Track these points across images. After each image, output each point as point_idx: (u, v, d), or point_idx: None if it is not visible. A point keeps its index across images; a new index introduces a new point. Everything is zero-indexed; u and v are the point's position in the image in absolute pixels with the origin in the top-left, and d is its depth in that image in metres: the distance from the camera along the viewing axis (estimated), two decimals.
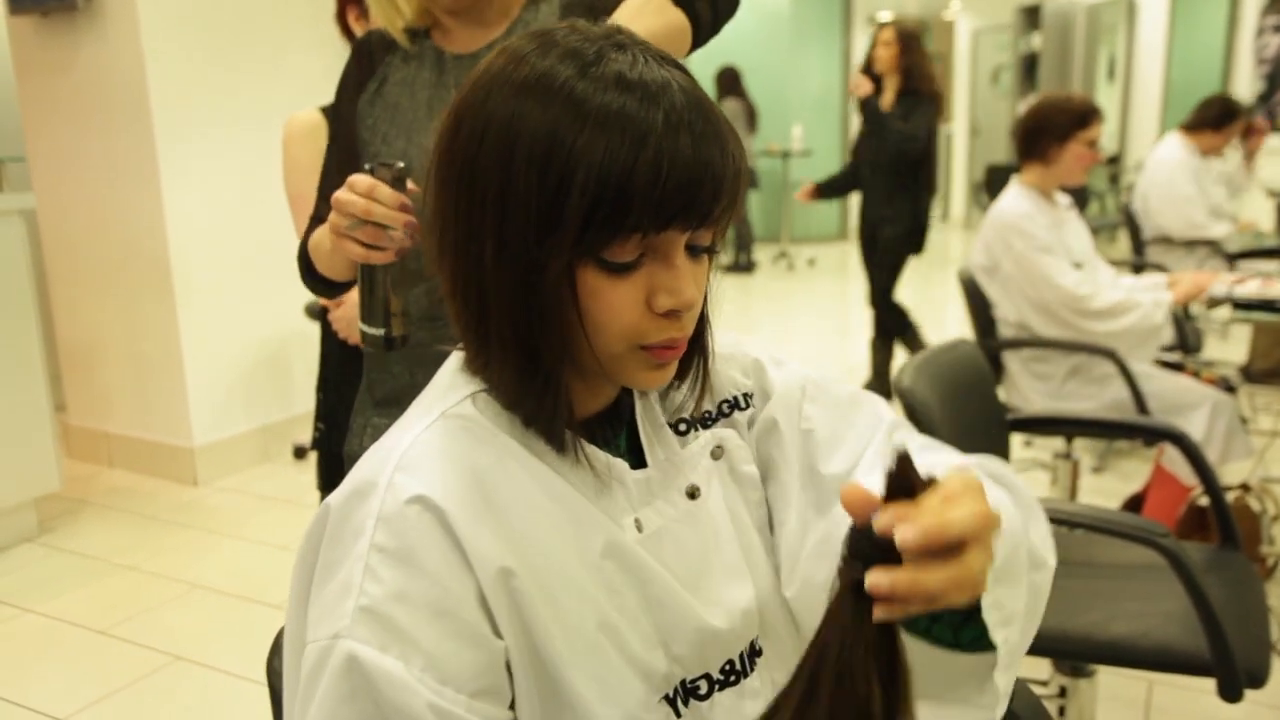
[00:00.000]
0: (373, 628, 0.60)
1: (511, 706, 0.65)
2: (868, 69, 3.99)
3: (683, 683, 0.70)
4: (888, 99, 3.91)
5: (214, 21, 3.40)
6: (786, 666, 0.71)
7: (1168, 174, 4.01)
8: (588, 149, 0.60)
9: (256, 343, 3.64)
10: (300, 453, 3.69)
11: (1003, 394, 2.55)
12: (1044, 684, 1.69)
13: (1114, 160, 8.48)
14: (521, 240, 0.63)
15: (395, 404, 1.26)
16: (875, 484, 0.69)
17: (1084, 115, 2.43)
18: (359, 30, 1.85)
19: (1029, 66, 8.89)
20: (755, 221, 8.78)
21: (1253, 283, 2.48)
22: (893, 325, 4.19)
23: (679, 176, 0.61)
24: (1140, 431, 2.17)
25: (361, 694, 0.59)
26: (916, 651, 0.62)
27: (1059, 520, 1.65)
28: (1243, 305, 2.43)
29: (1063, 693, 1.67)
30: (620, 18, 1.11)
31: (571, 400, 0.69)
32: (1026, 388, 2.53)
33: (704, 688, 0.71)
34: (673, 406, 0.79)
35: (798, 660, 0.57)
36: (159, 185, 3.28)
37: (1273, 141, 6.81)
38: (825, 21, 9.72)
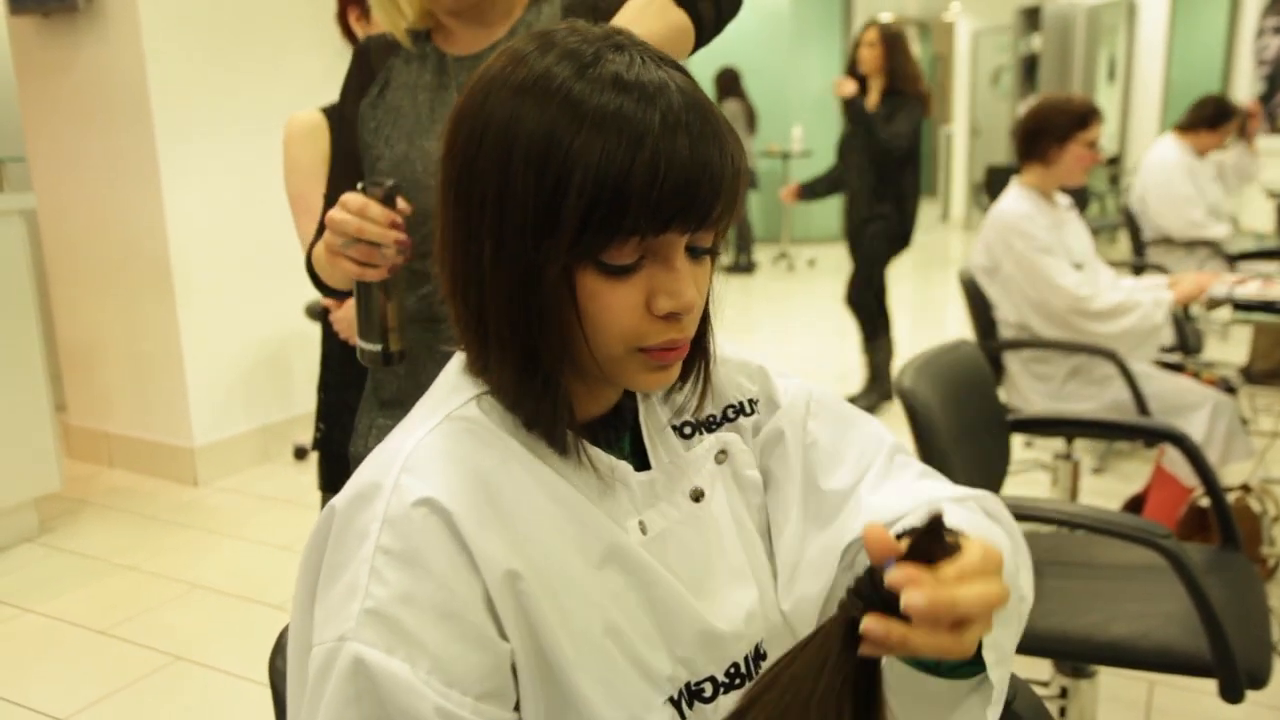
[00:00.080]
0: (379, 630, 0.60)
1: (516, 708, 0.65)
2: (852, 70, 3.97)
3: (687, 685, 0.71)
4: (872, 100, 3.89)
5: (215, 22, 3.41)
6: None
7: (1165, 175, 4.01)
8: (584, 150, 0.60)
9: (257, 343, 3.64)
10: (300, 453, 3.69)
11: (1003, 395, 2.55)
12: (1045, 684, 1.70)
13: (1114, 161, 8.49)
14: (519, 242, 0.63)
15: (400, 404, 1.26)
16: (880, 504, 0.74)
17: (1084, 116, 2.43)
18: (360, 30, 1.85)
19: (1029, 67, 8.89)
20: (755, 222, 8.78)
21: (1253, 284, 2.48)
22: (871, 325, 4.16)
23: (676, 178, 0.61)
24: (1141, 432, 2.17)
25: (367, 696, 0.59)
26: (892, 666, 0.64)
27: (1060, 521, 1.65)
28: (1243, 306, 2.43)
29: (1064, 693, 1.67)
30: (623, 19, 1.11)
31: (572, 402, 0.69)
32: (1027, 388, 2.53)
33: (709, 690, 0.71)
34: (675, 408, 0.79)
35: None
36: (159, 185, 3.28)
37: (1273, 143, 6.81)
38: (825, 22, 9.72)
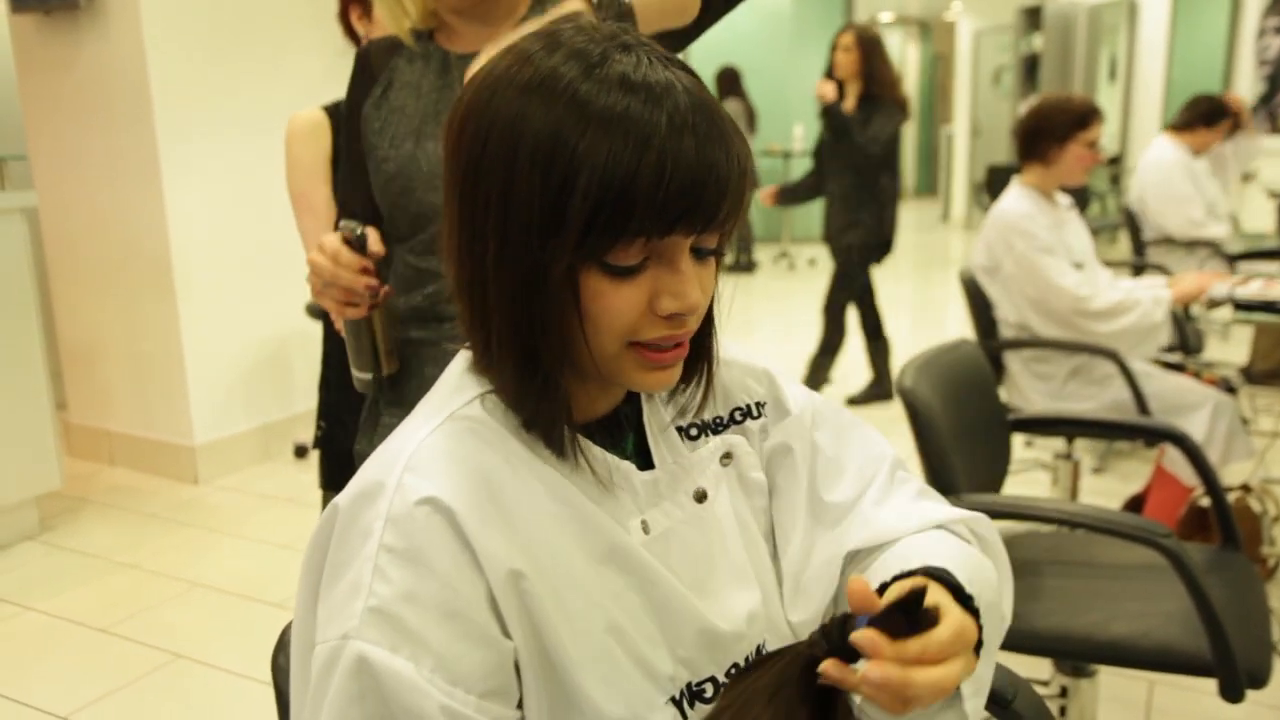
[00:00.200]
0: (382, 628, 0.60)
1: (519, 706, 0.65)
2: (829, 75, 3.91)
3: (689, 685, 0.71)
4: (849, 104, 3.83)
5: (216, 21, 3.41)
6: None
7: (1164, 175, 4.01)
8: (591, 151, 0.60)
9: (257, 341, 3.64)
10: (301, 451, 3.69)
11: (1004, 394, 2.55)
12: (1045, 684, 1.70)
13: (1115, 161, 8.48)
14: (524, 241, 0.63)
15: (405, 403, 1.26)
16: (883, 521, 0.78)
17: (1084, 116, 2.43)
18: (362, 29, 1.85)
19: (1030, 67, 8.88)
20: (756, 221, 8.79)
21: (1254, 284, 2.48)
22: (835, 341, 4.10)
23: (682, 179, 0.61)
24: (1141, 432, 2.17)
25: (371, 694, 0.59)
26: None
27: (1060, 520, 1.65)
28: (1244, 306, 2.43)
29: (1064, 693, 1.68)
30: None
31: (574, 403, 0.69)
32: (1027, 388, 2.53)
33: (710, 690, 0.71)
34: (679, 408, 0.79)
35: None
36: (160, 184, 3.28)
37: (1273, 143, 6.81)
38: (825, 21, 9.70)
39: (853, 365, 4.51)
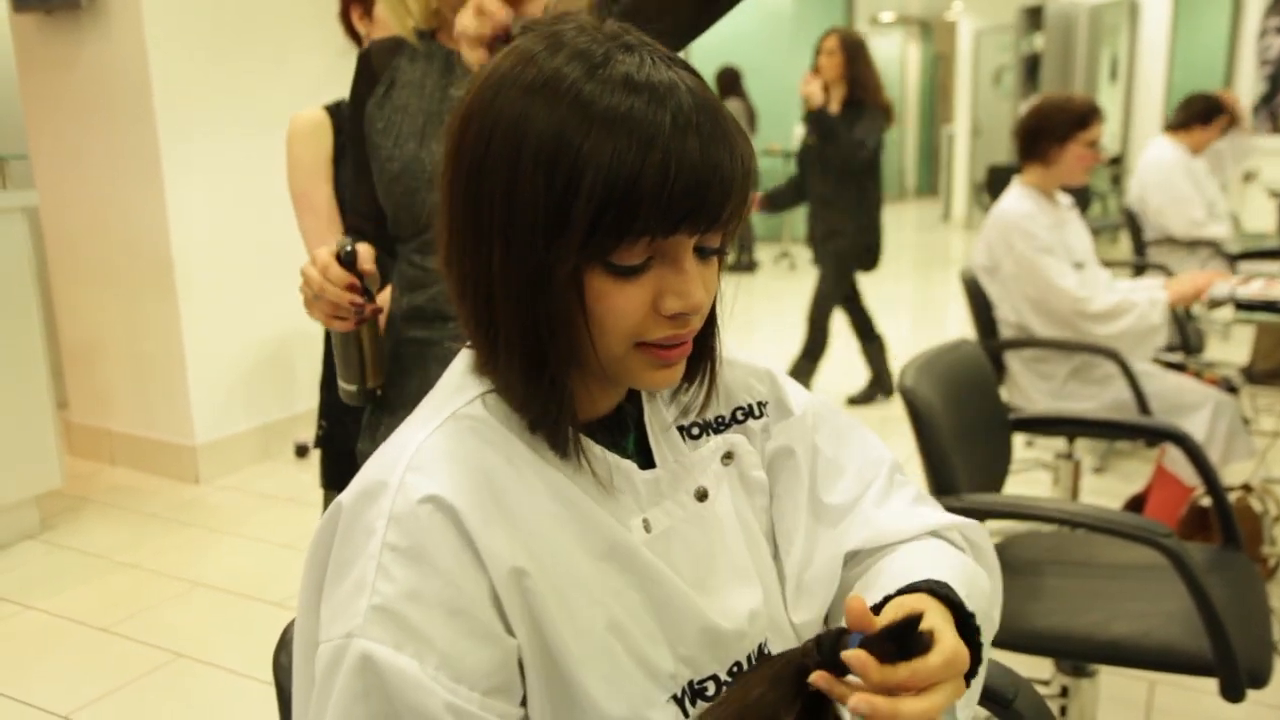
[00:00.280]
0: (386, 626, 0.60)
1: (523, 704, 0.65)
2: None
3: (690, 683, 0.71)
4: (833, 108, 3.78)
5: (217, 20, 3.41)
6: None
7: (1164, 175, 4.02)
8: (595, 151, 0.60)
9: (258, 341, 3.64)
10: (302, 451, 3.69)
11: (1005, 394, 2.55)
12: (1046, 684, 1.70)
13: (1116, 161, 8.48)
14: (529, 243, 0.63)
15: (407, 403, 1.27)
16: (883, 523, 0.80)
17: (1084, 116, 2.43)
18: (362, 29, 1.85)
19: (1031, 67, 8.88)
20: (756, 221, 8.78)
21: (1256, 283, 2.48)
22: (819, 347, 4.04)
23: (687, 179, 0.61)
24: (1142, 432, 2.17)
25: (375, 692, 0.60)
26: None
27: (1061, 520, 1.66)
28: (1245, 306, 2.43)
29: (1064, 692, 1.68)
30: None
31: (578, 403, 0.69)
32: (1028, 388, 2.53)
33: (712, 689, 0.72)
34: (682, 408, 0.79)
35: None
36: (161, 183, 3.29)
37: (1273, 143, 6.81)
38: (826, 22, 9.66)
39: (852, 365, 4.51)
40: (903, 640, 0.59)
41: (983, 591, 0.74)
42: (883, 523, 0.79)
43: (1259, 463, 2.72)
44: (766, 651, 0.76)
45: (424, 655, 0.60)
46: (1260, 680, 1.38)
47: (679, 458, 0.76)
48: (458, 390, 0.72)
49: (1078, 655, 1.55)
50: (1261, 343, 3.85)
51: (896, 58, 13.96)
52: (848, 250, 3.91)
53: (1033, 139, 2.48)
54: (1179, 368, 2.86)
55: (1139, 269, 3.93)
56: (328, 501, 1.89)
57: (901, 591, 0.69)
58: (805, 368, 4.01)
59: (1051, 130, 2.44)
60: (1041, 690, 1.12)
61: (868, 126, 3.70)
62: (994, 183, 7.58)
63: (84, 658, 2.33)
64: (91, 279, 3.57)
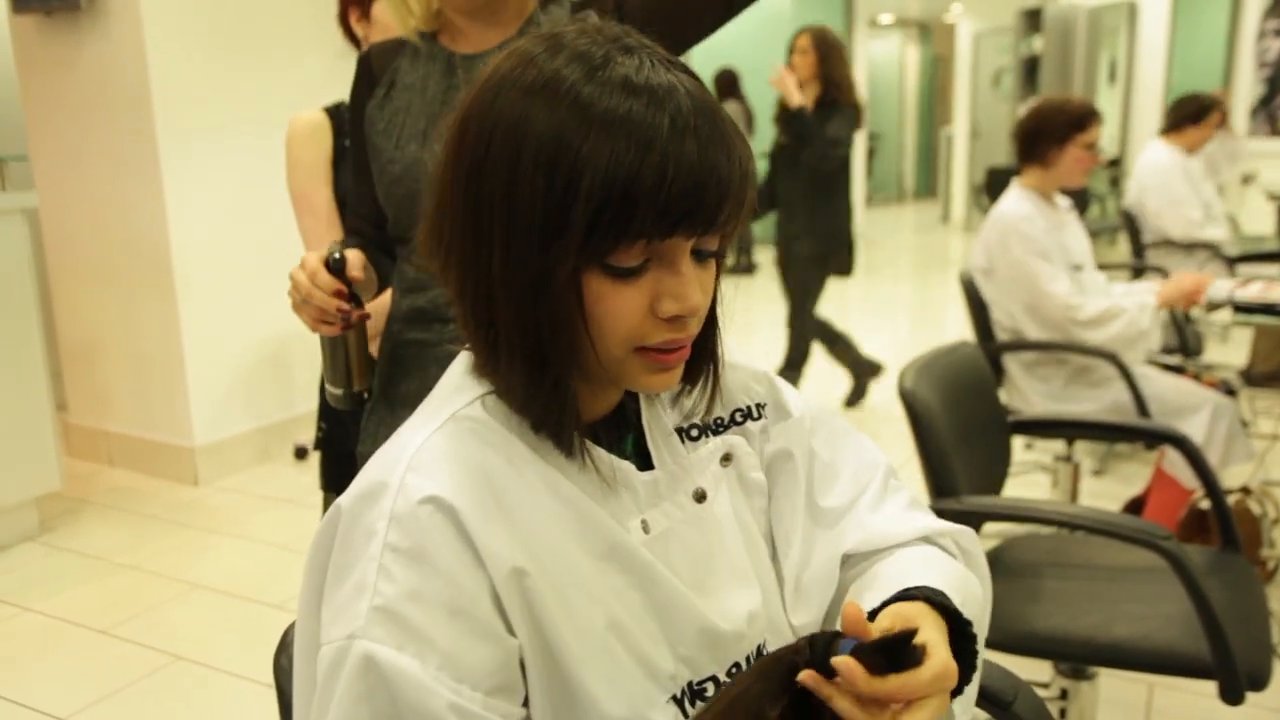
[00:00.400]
0: (388, 627, 0.60)
1: (525, 704, 0.65)
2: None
3: (690, 684, 0.71)
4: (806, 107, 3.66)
5: (217, 21, 3.41)
6: None
7: (1162, 178, 4.02)
8: (593, 153, 0.60)
9: (257, 342, 3.64)
10: (301, 453, 3.69)
11: (1004, 396, 2.55)
12: (1045, 686, 1.70)
13: (1115, 163, 8.49)
14: (528, 244, 0.63)
15: (410, 405, 1.27)
16: (878, 526, 0.80)
17: (1082, 118, 2.43)
18: (360, 31, 1.85)
19: (1030, 69, 8.89)
20: (755, 224, 8.78)
21: (1254, 286, 2.48)
22: (801, 355, 3.94)
23: (684, 181, 0.61)
24: (1141, 434, 2.17)
25: (378, 693, 0.60)
26: None
27: (1060, 522, 1.65)
28: (1244, 309, 2.43)
29: (1064, 695, 1.68)
30: None
31: (579, 404, 0.69)
32: (1027, 390, 2.53)
33: (711, 690, 0.72)
34: (684, 412, 0.80)
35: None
36: (161, 184, 3.29)
37: (1272, 144, 6.81)
38: (826, 23, 9.70)
39: (831, 372, 4.48)
40: (894, 654, 0.60)
41: (975, 598, 0.75)
42: (877, 526, 0.80)
43: (1258, 465, 2.72)
44: (765, 653, 0.76)
45: (426, 655, 0.60)
46: (1259, 683, 1.38)
47: (677, 459, 0.76)
48: (457, 391, 0.72)
49: (1077, 658, 1.55)
50: (1260, 345, 3.85)
51: (895, 60, 13.98)
52: (820, 255, 3.78)
53: (1031, 141, 2.48)
54: (1178, 370, 2.87)
55: (1137, 271, 3.93)
56: (327, 503, 1.89)
57: (898, 597, 0.69)
58: (789, 377, 3.93)
59: (1050, 132, 2.44)
60: (1041, 693, 1.12)
61: (840, 125, 3.57)
62: (993, 185, 7.59)
63: (83, 660, 2.33)
64: (91, 280, 3.57)
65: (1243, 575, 1.64)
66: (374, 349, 1.35)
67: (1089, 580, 1.67)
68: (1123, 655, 1.46)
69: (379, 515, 0.64)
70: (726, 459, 0.80)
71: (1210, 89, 5.34)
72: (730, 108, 7.62)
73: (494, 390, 0.71)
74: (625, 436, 0.76)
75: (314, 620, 0.66)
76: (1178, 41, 8.03)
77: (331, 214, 1.77)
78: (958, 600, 0.69)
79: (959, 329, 5.19)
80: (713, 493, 0.77)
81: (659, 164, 0.60)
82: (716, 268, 0.71)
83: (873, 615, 0.68)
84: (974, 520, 1.65)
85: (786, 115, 3.66)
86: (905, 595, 0.69)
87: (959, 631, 0.68)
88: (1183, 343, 3.21)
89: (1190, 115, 4.06)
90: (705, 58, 7.97)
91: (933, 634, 0.65)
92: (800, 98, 3.59)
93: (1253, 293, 2.44)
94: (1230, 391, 2.65)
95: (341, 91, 1.44)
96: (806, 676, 0.60)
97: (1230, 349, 4.77)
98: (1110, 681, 2.07)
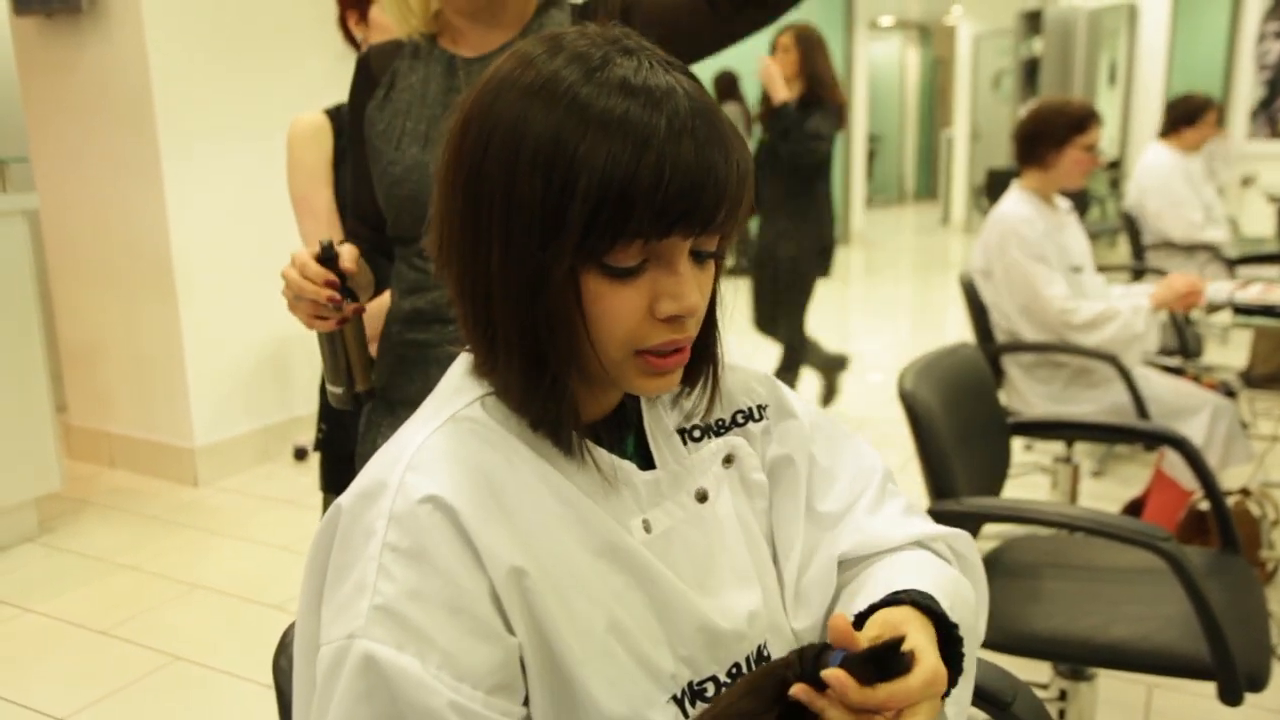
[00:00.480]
0: (388, 626, 0.61)
1: (525, 703, 0.65)
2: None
3: (690, 684, 0.71)
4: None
5: (218, 23, 3.41)
6: None
7: (1163, 180, 4.03)
8: (590, 153, 0.61)
9: (258, 344, 3.64)
10: (301, 454, 3.69)
11: (1003, 398, 2.55)
12: (1044, 687, 1.70)
13: (1115, 165, 8.49)
14: (526, 244, 0.63)
15: (410, 406, 1.27)
16: (875, 531, 0.81)
17: (1081, 120, 2.43)
18: (359, 34, 1.85)
19: (1030, 71, 8.89)
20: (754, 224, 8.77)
21: (1254, 288, 2.49)
22: (797, 357, 3.87)
23: (681, 182, 0.61)
24: (1140, 436, 2.17)
25: (379, 692, 0.60)
26: None
27: (1059, 524, 1.66)
28: (1243, 310, 2.44)
29: (1063, 696, 1.68)
30: None
31: (578, 404, 0.69)
32: (1027, 391, 2.53)
33: (711, 690, 0.72)
34: (684, 414, 0.80)
35: None
36: (162, 186, 3.29)
37: (1272, 147, 6.82)
38: (826, 25, 9.66)
39: (805, 375, 4.42)
40: (883, 662, 0.60)
41: (967, 603, 0.75)
42: (872, 530, 0.81)
43: (1257, 467, 2.73)
44: (766, 653, 0.76)
45: (426, 654, 0.60)
46: (1258, 684, 1.38)
47: (679, 459, 0.77)
48: (456, 392, 0.72)
49: (1076, 659, 1.55)
50: (1260, 347, 3.85)
51: (896, 62, 13.98)
52: (802, 255, 3.70)
53: (1031, 143, 2.48)
54: (1178, 372, 2.87)
55: (1137, 273, 3.93)
56: (327, 504, 1.89)
57: (885, 602, 0.70)
58: (786, 379, 3.85)
59: (1049, 134, 2.44)
60: (1040, 694, 1.12)
61: (821, 121, 3.49)
62: (993, 186, 7.59)
63: (83, 660, 2.33)
64: (91, 282, 3.57)
65: (1242, 577, 1.64)
66: (373, 350, 1.35)
67: (1088, 581, 1.67)
68: (1122, 656, 1.46)
69: (378, 515, 0.64)
70: (728, 460, 0.80)
71: (1211, 91, 5.35)
72: (729, 109, 7.62)
73: (493, 391, 0.71)
74: (626, 437, 0.76)
75: (314, 620, 0.66)
76: (1178, 44, 8.03)
77: (332, 216, 1.77)
78: (946, 604, 0.70)
79: (959, 331, 5.19)
80: (714, 493, 0.77)
81: (656, 164, 0.61)
82: (716, 269, 0.71)
83: (861, 619, 0.69)
84: (973, 521, 1.65)
85: (770, 110, 3.60)
86: (893, 599, 0.70)
87: (948, 635, 0.69)
88: (1182, 344, 3.21)
89: (1184, 116, 4.06)
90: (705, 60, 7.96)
91: (920, 639, 0.65)
92: (786, 92, 3.53)
93: (1252, 294, 2.44)
94: (1230, 393, 2.65)
95: (342, 93, 1.44)
96: (798, 690, 0.61)
97: (1230, 351, 4.77)
98: (1109, 682, 2.07)
